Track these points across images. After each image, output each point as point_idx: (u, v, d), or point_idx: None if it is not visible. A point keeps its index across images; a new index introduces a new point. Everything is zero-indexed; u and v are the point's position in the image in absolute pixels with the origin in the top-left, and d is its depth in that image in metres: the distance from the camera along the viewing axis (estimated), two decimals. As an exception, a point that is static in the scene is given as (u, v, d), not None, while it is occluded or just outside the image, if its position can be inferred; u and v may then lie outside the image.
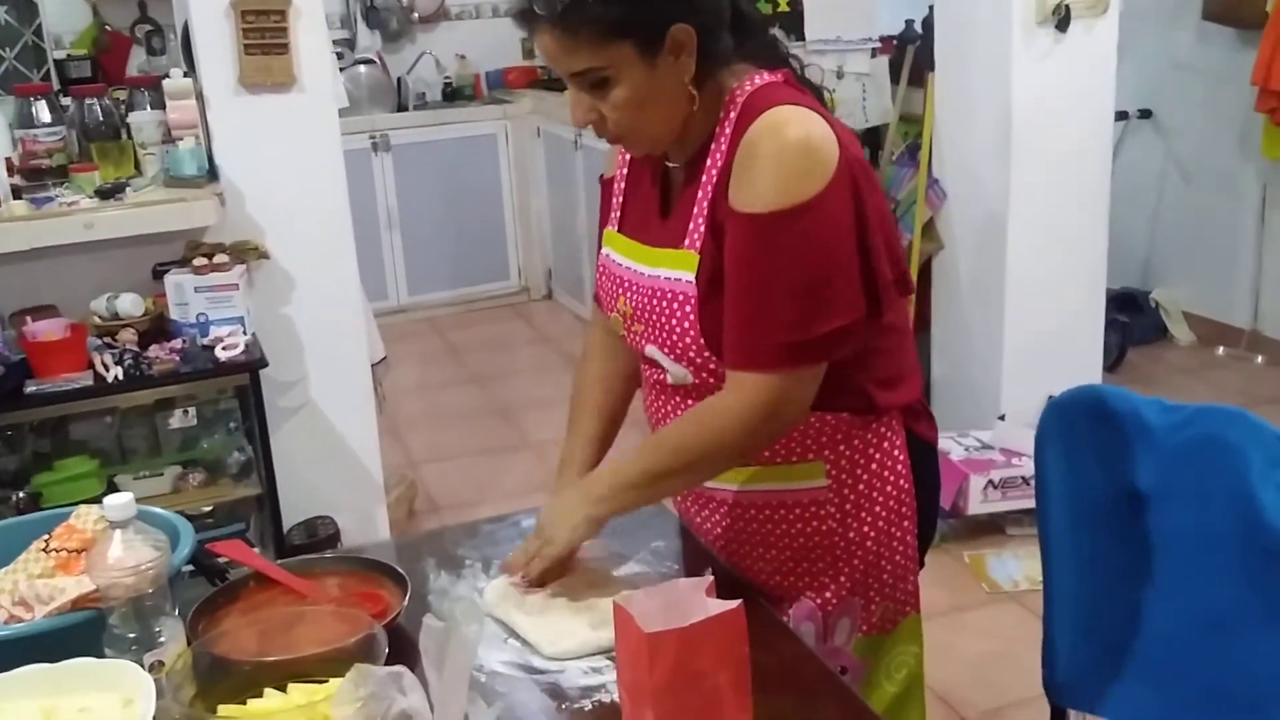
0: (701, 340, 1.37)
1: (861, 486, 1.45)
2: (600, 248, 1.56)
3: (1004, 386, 3.49)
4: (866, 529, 1.46)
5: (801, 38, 3.82)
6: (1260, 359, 4.52)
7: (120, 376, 2.38)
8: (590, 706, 1.26)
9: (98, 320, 2.57)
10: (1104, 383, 3.81)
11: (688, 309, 1.37)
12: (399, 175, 5.62)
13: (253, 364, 2.48)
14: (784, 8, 3.82)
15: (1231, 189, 4.60)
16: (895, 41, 3.97)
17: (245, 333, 2.55)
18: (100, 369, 2.38)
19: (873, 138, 3.93)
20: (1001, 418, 3.45)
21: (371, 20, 5.91)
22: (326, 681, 1.24)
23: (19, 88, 3.05)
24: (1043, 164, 3.36)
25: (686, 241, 1.38)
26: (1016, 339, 3.44)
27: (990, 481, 3.23)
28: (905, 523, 1.48)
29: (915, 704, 1.58)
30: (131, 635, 1.23)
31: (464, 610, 1.10)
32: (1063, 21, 3.27)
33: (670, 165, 1.44)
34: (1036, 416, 3.65)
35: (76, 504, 1.49)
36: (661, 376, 1.47)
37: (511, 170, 5.89)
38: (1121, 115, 4.24)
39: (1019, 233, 3.39)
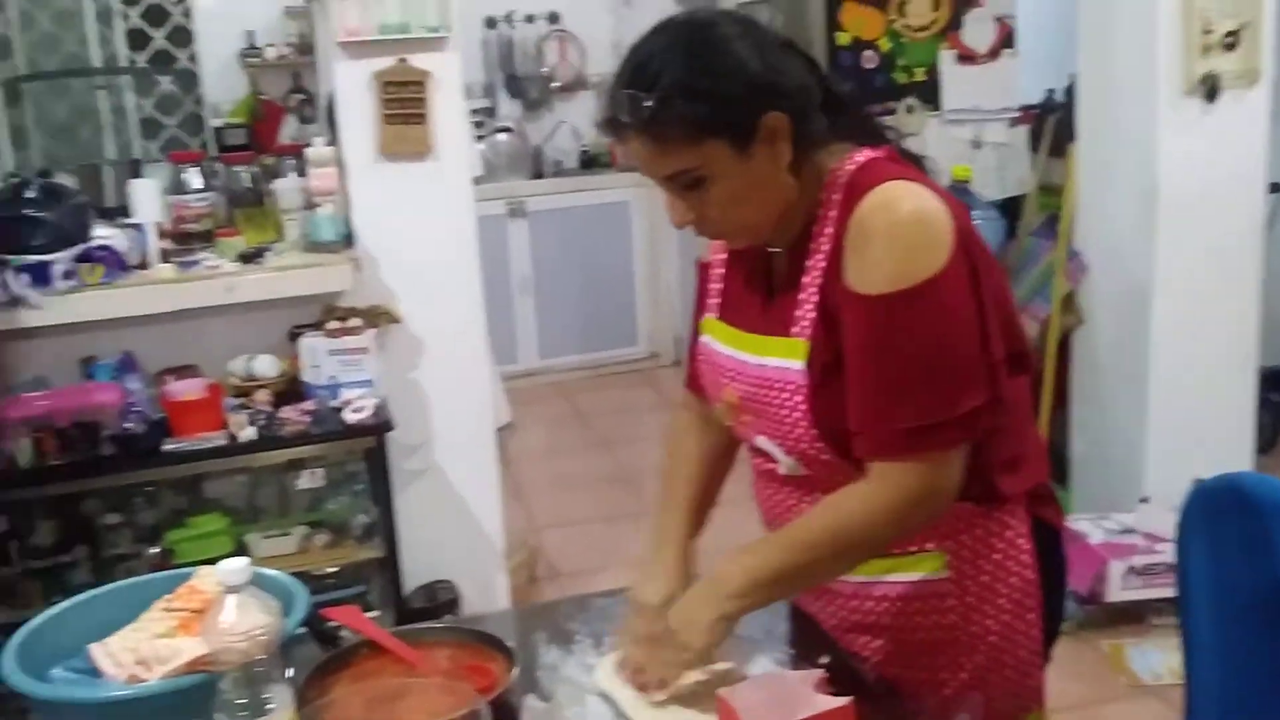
0: (814, 431, 1.33)
1: (984, 578, 1.38)
2: (698, 334, 1.54)
3: (1148, 468, 3.34)
4: (990, 622, 1.39)
5: (938, 108, 3.78)
6: None
7: (253, 436, 2.44)
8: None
9: (235, 381, 2.65)
10: (1256, 465, 3.62)
11: (798, 399, 1.33)
12: (534, 241, 5.72)
13: (379, 427, 2.53)
14: (920, 78, 3.78)
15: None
16: (1036, 111, 3.90)
17: (374, 396, 2.60)
18: (234, 428, 2.46)
19: (1011, 209, 3.85)
20: (1145, 500, 3.29)
21: (512, 89, 6.07)
22: None
23: (174, 155, 3.21)
24: (1190, 238, 3.23)
25: (795, 329, 1.34)
26: (1162, 418, 3.29)
27: (1132, 567, 3.07)
28: (1030, 615, 1.40)
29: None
30: (241, 701, 1.24)
31: (567, 694, 1.08)
32: (1211, 92, 3.15)
33: (772, 251, 1.41)
34: (1182, 500, 3.48)
35: (202, 562, 1.52)
36: (772, 466, 1.43)
37: (643, 237, 5.94)
38: (1276, 188, 4.07)
39: (1164, 308, 3.26)
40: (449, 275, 2.90)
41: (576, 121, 6.18)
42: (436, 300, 2.89)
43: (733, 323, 1.46)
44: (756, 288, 1.44)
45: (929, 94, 3.77)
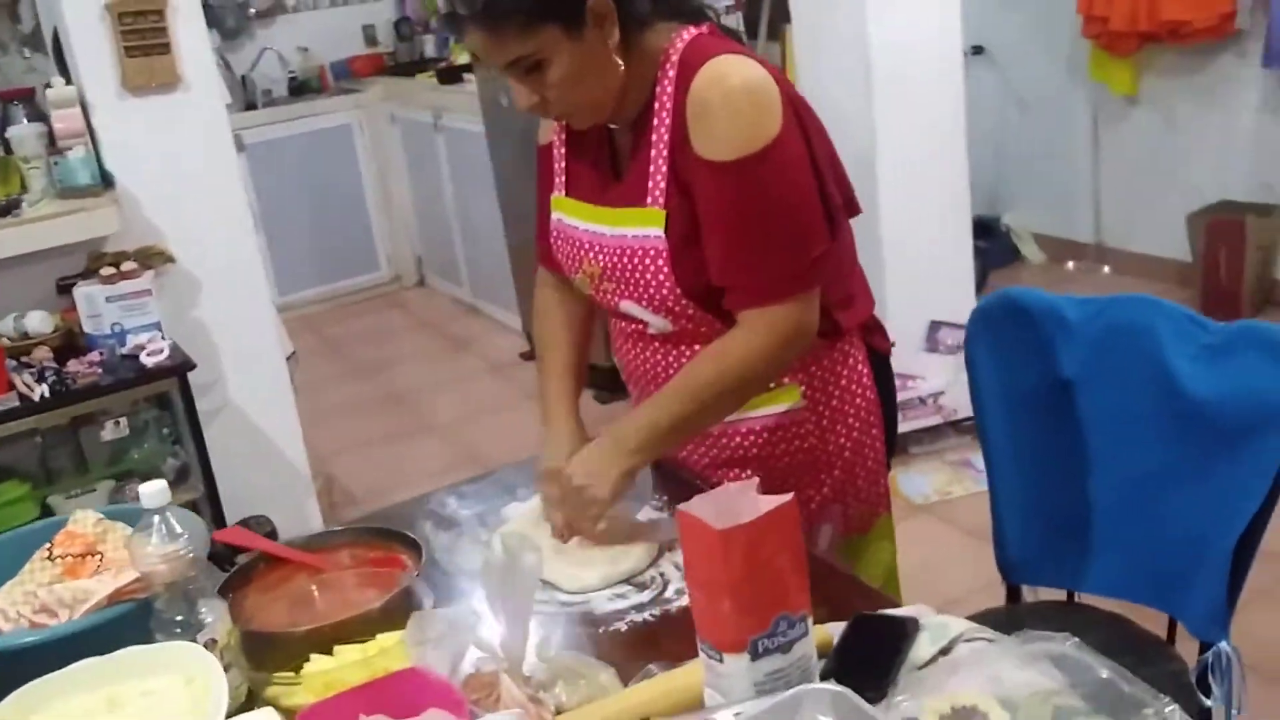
0: (678, 290, 1.45)
1: (834, 402, 1.56)
2: (549, 213, 1.63)
3: (888, 317, 3.65)
4: (842, 440, 1.58)
5: (659, 1, 3.92)
6: (1107, 269, 4.86)
7: (46, 394, 2.34)
8: (625, 628, 1.35)
9: (6, 341, 2.51)
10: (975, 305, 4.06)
11: (660, 263, 1.45)
12: (255, 175, 5.51)
13: (180, 367, 2.47)
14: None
15: (1065, 114, 4.91)
16: (747, -2, 4.11)
17: (164, 337, 2.53)
18: (24, 389, 2.34)
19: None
20: (892, 344, 3.63)
21: (208, 18, 5.76)
22: (369, 641, 1.31)
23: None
24: (904, 103, 3.54)
25: (649, 199, 1.45)
26: (896, 270, 3.63)
27: (889, 405, 3.41)
28: (874, 430, 1.60)
29: (894, 595, 1.71)
30: (179, 618, 1.27)
31: (519, 541, 1.17)
32: (909, -34, 3.44)
33: (613, 128, 1.51)
34: (923, 340, 3.85)
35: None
36: (639, 328, 1.55)
37: (370, 160, 5.85)
38: (977, 50, 4.49)
39: (888, 174, 3.56)
40: (216, 207, 2.83)
41: (281, 47, 5.97)
42: (207, 234, 2.81)
43: (584, 198, 1.56)
44: (602, 164, 1.54)
45: None
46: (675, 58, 1.43)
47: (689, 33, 1.45)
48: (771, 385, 1.54)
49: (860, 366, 1.58)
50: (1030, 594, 1.92)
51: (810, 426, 1.56)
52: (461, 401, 4.52)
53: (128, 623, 1.28)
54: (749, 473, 1.59)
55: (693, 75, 1.40)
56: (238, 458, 2.84)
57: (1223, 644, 1.59)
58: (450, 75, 5.19)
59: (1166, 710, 1.01)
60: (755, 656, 1.05)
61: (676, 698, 1.15)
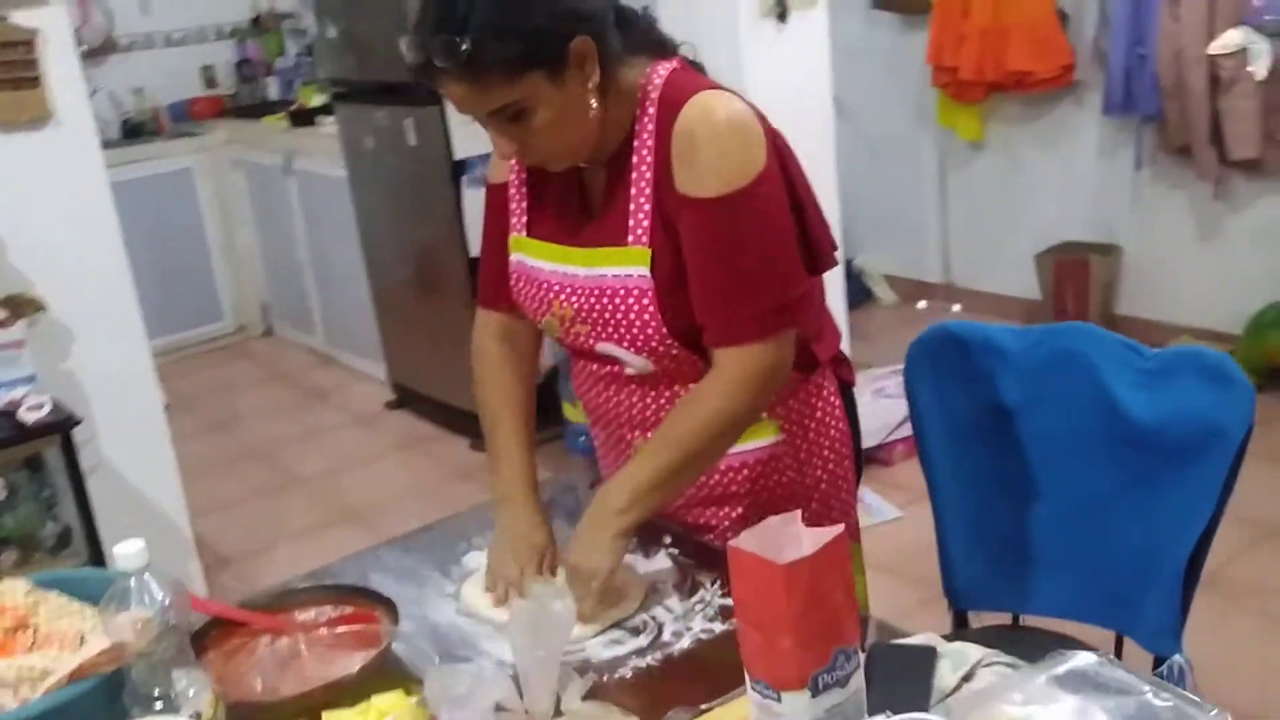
0: (664, 330, 1.41)
1: (811, 435, 1.56)
2: (501, 254, 1.57)
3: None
4: (819, 473, 1.57)
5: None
6: (957, 307, 5.05)
7: (-87, 455, 2.13)
8: (630, 674, 1.31)
9: None
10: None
11: (645, 302, 1.41)
12: (90, 221, 5.22)
13: (63, 424, 2.29)
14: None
15: (913, 158, 5.11)
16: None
17: (41, 392, 2.34)
18: (-112, 450, 2.13)
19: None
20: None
21: (34, 58, 5.45)
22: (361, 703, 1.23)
23: None
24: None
25: (630, 238, 1.42)
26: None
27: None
28: (846, 461, 1.61)
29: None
30: (157, 692, 1.15)
31: (548, 590, 1.12)
32: (782, 13, 3.53)
33: (582, 167, 1.47)
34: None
35: None
36: (614, 370, 1.51)
37: (212, 205, 5.61)
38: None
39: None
40: (89, 251, 2.65)
41: (113, 88, 5.68)
42: (79, 280, 2.63)
43: (551, 238, 1.51)
44: (570, 204, 1.50)
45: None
46: (654, 94, 1.41)
47: (664, 68, 1.44)
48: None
49: (833, 399, 1.58)
50: (975, 619, 1.95)
51: (788, 460, 1.55)
52: (327, 454, 4.35)
53: (92, 700, 1.16)
54: (735, 510, 1.57)
55: (675, 112, 1.38)
56: (116, 519, 2.64)
57: (1177, 656, 1.65)
58: (303, 118, 5.04)
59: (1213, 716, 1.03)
60: (816, 693, 1.03)
61: (722, 742, 1.11)
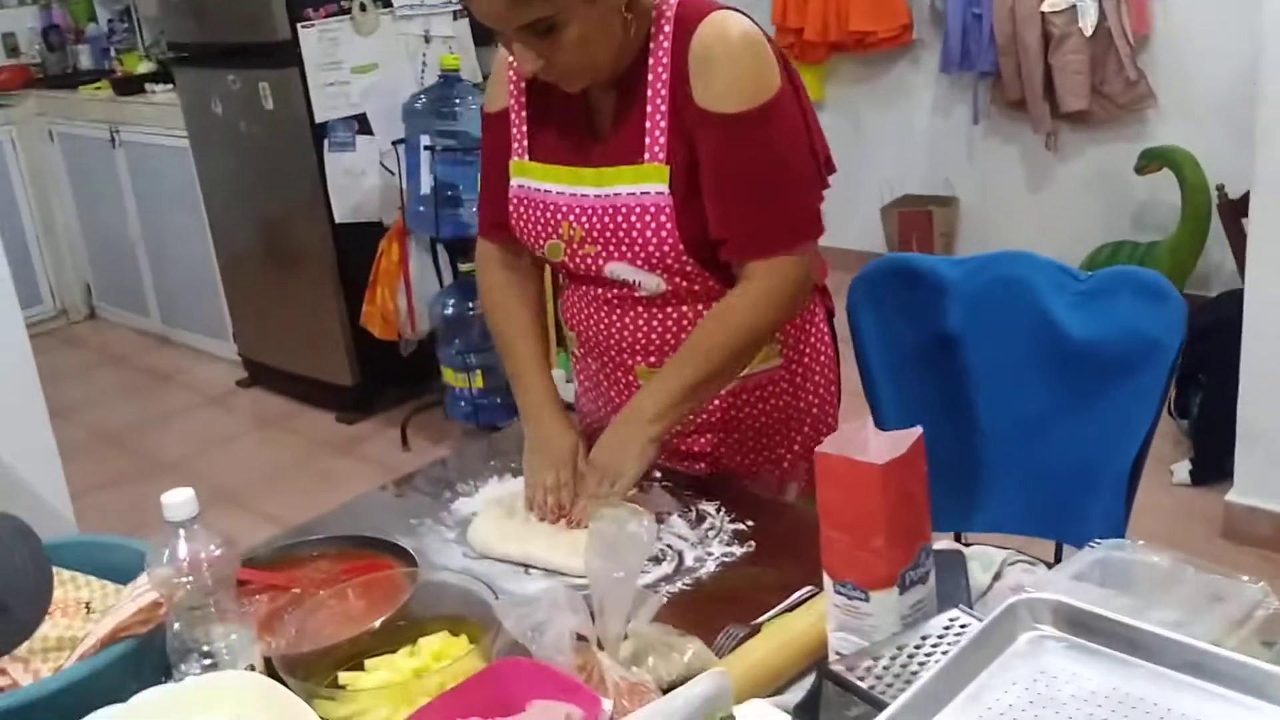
0: (680, 246, 1.43)
1: (805, 359, 1.60)
2: (502, 182, 1.56)
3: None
4: (811, 397, 1.61)
5: (389, 4, 3.81)
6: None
7: None
8: (665, 599, 1.31)
9: None
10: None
11: (663, 219, 1.42)
12: (-113, 202, 4.82)
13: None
14: (368, -26, 3.78)
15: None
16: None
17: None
18: None
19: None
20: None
21: None
22: (395, 652, 1.20)
23: None
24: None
25: (647, 155, 1.43)
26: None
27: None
28: (833, 386, 1.66)
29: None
30: (206, 647, 1.10)
31: (622, 511, 1.12)
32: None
33: (591, 88, 1.46)
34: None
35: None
36: (621, 292, 1.51)
37: (26, 183, 5.24)
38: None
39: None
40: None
41: (-96, 57, 5.25)
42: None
43: (557, 160, 1.50)
44: (575, 125, 1.50)
45: (378, -10, 3.79)
46: (669, 14, 1.43)
47: None
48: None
49: (822, 325, 1.63)
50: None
51: (784, 384, 1.58)
52: (185, 437, 4.16)
53: (126, 664, 1.10)
54: (732, 436, 1.60)
55: (691, 30, 1.41)
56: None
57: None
58: (129, 86, 4.76)
59: (1253, 588, 1.12)
60: (903, 589, 1.06)
61: (800, 646, 1.14)
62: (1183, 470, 3.19)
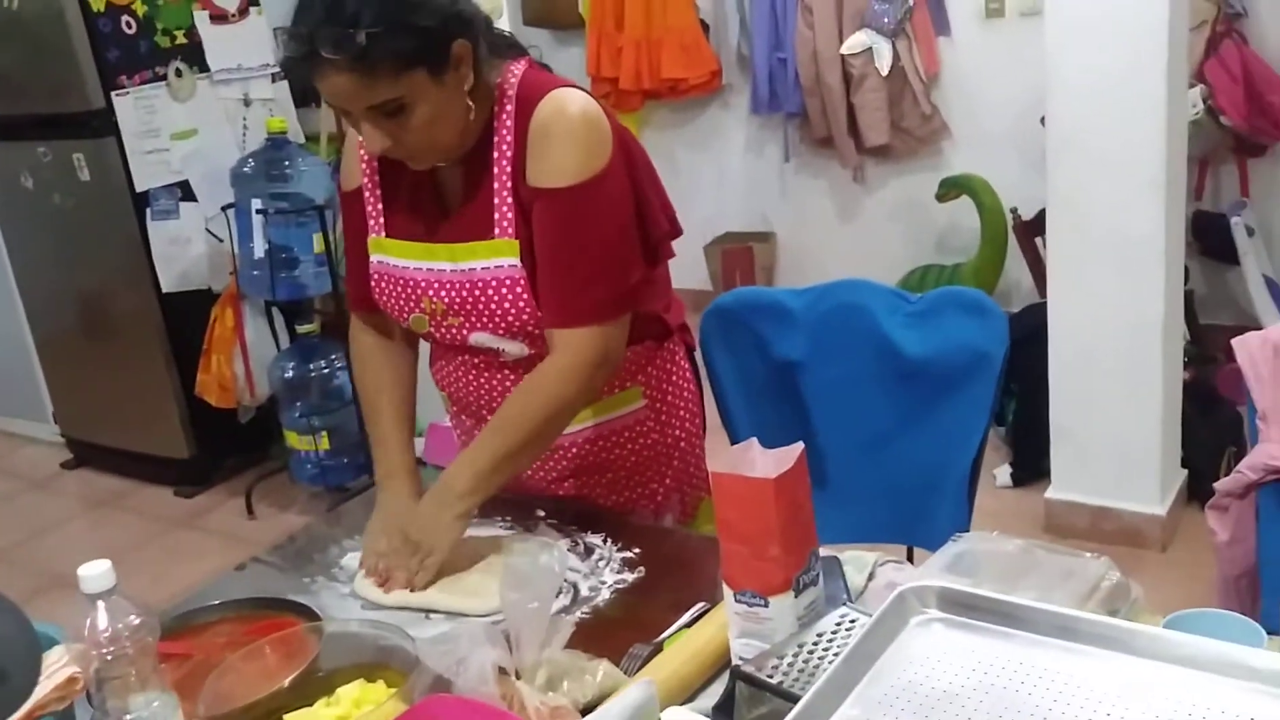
0: (539, 315, 1.49)
1: (670, 398, 1.68)
2: (364, 257, 1.60)
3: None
4: (678, 432, 1.69)
5: (206, 69, 3.78)
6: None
7: None
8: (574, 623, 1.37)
9: None
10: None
11: (519, 290, 1.48)
12: None
13: None
14: (182, 41, 3.72)
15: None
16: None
17: None
18: None
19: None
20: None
21: None
22: (312, 705, 1.23)
23: None
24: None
25: (497, 230, 1.48)
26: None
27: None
28: (696, 419, 1.74)
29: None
30: (128, 715, 1.11)
31: (532, 544, 1.18)
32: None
33: (439, 166, 1.51)
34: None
35: None
36: (491, 358, 1.57)
37: None
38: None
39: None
40: None
41: None
42: None
43: (412, 237, 1.55)
44: (425, 202, 1.55)
45: (194, 56, 3.74)
46: (511, 92, 1.48)
47: (518, 67, 1.51)
48: (616, 389, 1.62)
49: (683, 362, 1.72)
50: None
51: (651, 424, 1.66)
52: (10, 525, 3.96)
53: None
54: (605, 476, 1.66)
55: (532, 108, 1.46)
56: None
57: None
58: (-77, 162, 4.53)
59: (1097, 563, 1.26)
60: (798, 592, 1.16)
61: (707, 655, 1.22)
62: (1004, 474, 3.43)
